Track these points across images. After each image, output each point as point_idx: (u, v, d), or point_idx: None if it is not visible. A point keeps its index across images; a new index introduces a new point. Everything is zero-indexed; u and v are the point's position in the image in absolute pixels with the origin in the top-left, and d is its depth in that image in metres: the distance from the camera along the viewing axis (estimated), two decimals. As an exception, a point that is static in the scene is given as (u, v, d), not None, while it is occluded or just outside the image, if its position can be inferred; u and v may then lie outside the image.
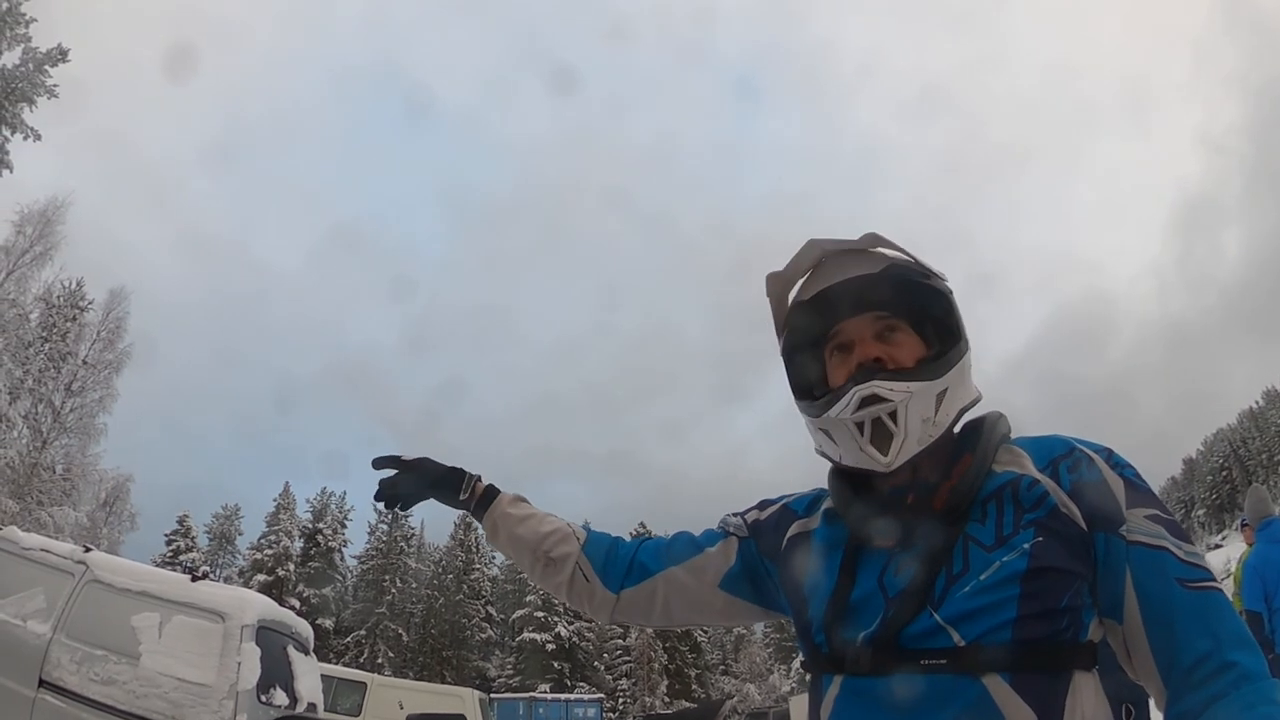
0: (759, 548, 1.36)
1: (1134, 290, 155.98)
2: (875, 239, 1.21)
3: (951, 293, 1.22)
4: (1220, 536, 75.23)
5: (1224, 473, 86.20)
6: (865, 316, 1.20)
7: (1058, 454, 1.16)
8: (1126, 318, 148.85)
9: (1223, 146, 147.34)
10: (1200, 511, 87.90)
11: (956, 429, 1.21)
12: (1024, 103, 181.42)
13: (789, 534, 1.32)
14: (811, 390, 1.24)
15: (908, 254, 1.22)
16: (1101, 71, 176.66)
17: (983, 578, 1.06)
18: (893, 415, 1.13)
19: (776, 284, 1.28)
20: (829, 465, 1.28)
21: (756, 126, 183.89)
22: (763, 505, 1.42)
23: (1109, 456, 1.16)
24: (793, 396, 1.28)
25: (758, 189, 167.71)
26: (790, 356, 1.28)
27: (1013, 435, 1.23)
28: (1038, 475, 1.14)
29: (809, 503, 1.35)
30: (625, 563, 1.43)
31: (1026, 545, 1.07)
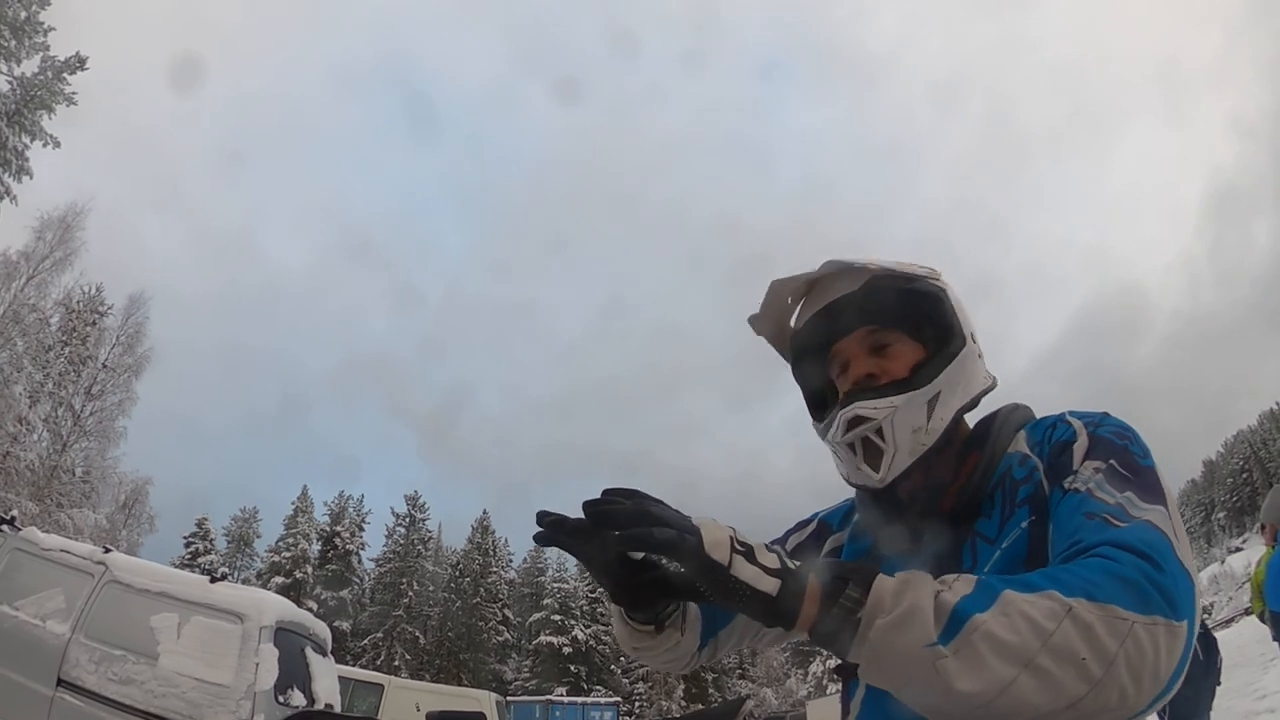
0: None
1: (1165, 283, 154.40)
2: (834, 263, 1.20)
3: (943, 289, 1.21)
4: (1241, 540, 74.40)
5: (1244, 475, 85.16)
6: (857, 333, 1.20)
7: (1046, 425, 1.16)
8: (1157, 312, 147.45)
9: (1255, 132, 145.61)
10: (1220, 515, 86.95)
11: (970, 426, 1.21)
12: (1052, 92, 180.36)
13: (826, 549, 1.35)
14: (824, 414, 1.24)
15: (886, 264, 1.20)
16: (1132, 59, 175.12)
17: (986, 570, 1.06)
18: (879, 432, 1.12)
19: (759, 323, 1.29)
20: None
21: (782, 118, 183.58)
22: (800, 526, 1.44)
23: (1099, 420, 1.12)
24: (811, 422, 1.27)
25: (786, 180, 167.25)
26: (800, 384, 1.30)
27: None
28: (1028, 451, 1.14)
29: (842, 516, 1.38)
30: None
31: (1024, 524, 1.06)
